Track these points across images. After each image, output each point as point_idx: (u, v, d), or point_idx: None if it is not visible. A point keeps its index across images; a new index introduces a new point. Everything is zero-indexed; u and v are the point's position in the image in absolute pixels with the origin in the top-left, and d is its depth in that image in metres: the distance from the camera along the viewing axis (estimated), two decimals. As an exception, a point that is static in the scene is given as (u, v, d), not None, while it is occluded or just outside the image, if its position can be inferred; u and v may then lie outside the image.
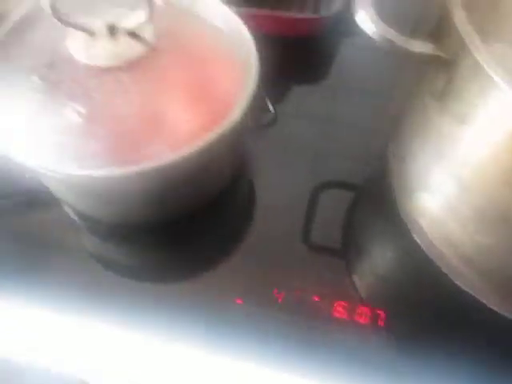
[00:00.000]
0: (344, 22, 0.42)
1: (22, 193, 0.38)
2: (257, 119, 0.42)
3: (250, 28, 0.33)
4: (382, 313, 0.33)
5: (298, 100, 0.45)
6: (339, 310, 0.33)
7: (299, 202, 0.38)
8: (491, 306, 0.32)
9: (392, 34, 0.26)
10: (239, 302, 0.33)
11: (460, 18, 0.25)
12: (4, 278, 0.34)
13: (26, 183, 0.34)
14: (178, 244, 0.36)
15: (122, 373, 0.31)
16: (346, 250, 0.36)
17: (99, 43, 0.29)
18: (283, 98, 0.45)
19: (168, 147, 0.28)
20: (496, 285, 0.32)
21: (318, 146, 0.41)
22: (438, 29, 0.27)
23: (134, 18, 0.30)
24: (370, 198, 0.40)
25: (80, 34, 0.29)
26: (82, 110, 0.27)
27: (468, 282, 0.32)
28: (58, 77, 0.29)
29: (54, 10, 0.27)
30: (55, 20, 0.28)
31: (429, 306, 0.34)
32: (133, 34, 0.30)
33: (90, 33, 0.29)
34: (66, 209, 0.37)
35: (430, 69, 0.29)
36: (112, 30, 0.29)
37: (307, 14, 0.48)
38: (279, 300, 0.33)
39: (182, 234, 0.36)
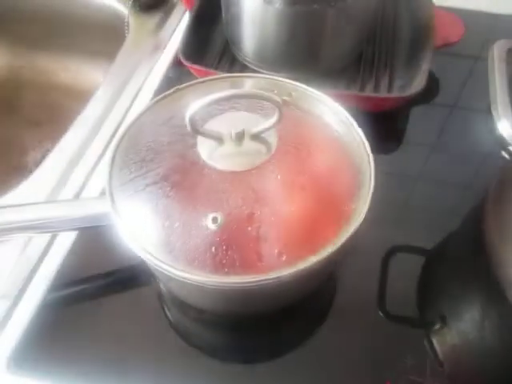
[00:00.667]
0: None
1: (126, 268, 0.40)
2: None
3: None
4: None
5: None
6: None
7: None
8: None
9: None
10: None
11: None
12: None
13: (128, 257, 0.33)
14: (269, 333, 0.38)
15: None
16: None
17: (226, 148, 0.31)
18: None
19: (286, 255, 0.29)
20: None
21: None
22: None
23: (263, 125, 0.31)
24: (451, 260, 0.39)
25: (208, 141, 0.31)
26: (218, 216, 0.29)
27: None
28: (191, 183, 0.30)
29: (192, 123, 0.29)
30: (189, 129, 0.29)
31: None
32: (258, 138, 0.31)
33: (220, 140, 0.31)
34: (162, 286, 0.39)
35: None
36: (240, 137, 0.31)
37: (395, 94, 0.49)
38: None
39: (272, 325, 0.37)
